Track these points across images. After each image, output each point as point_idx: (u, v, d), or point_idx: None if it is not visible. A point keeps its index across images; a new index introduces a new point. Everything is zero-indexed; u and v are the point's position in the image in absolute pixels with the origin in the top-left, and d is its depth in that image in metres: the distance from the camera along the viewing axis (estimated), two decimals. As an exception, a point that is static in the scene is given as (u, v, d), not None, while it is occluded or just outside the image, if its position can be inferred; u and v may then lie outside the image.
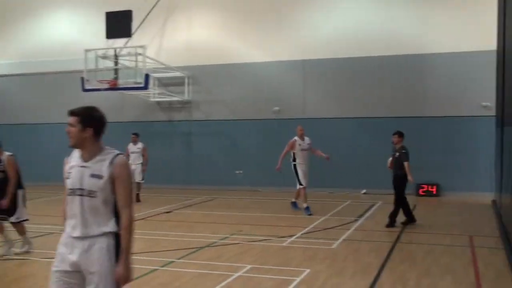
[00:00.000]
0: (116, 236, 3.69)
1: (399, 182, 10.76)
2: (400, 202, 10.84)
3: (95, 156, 3.71)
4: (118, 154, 3.74)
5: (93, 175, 3.66)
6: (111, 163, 3.68)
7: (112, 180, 3.66)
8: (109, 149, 3.78)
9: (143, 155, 14.85)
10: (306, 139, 12.69)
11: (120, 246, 3.67)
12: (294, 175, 12.49)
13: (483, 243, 9.15)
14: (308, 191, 12.63)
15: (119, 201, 3.69)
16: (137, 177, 14.64)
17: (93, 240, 3.65)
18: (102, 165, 3.68)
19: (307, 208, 12.29)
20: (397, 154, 10.78)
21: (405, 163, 10.65)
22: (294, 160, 12.50)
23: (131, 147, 14.83)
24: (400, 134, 10.95)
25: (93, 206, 3.65)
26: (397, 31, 16.71)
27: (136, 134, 14.99)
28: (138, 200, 14.46)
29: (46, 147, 20.66)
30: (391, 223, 10.72)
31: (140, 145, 14.89)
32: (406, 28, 16.67)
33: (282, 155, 12.51)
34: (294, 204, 13.20)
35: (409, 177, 10.65)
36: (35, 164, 20.86)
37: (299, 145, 12.48)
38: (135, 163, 14.62)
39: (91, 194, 3.64)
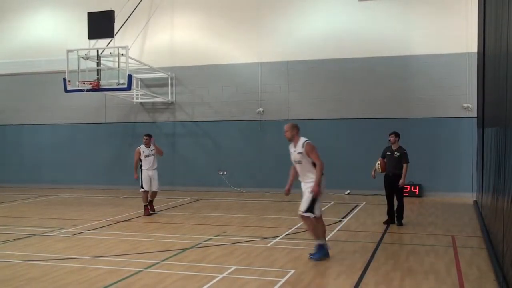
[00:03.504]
0: None
1: (398, 181, 10.84)
2: (392, 201, 11.09)
3: None
4: None
5: None
6: None
7: None
8: None
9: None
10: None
11: None
12: None
13: (466, 243, 9.25)
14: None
15: None
16: (155, 186, 12.93)
17: None
18: None
19: None
20: (397, 154, 10.90)
21: (406, 165, 10.80)
22: None
23: (145, 150, 12.83)
24: (397, 134, 11.08)
25: None
26: (379, 33, 16.81)
27: (149, 136, 13.09)
28: (152, 210, 13.01)
29: (26, 148, 20.42)
30: (399, 220, 10.99)
31: (153, 147, 13.04)
32: (388, 30, 16.78)
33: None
34: None
35: (403, 179, 10.80)
36: (14, 166, 20.63)
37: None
38: (152, 169, 12.84)
39: None
